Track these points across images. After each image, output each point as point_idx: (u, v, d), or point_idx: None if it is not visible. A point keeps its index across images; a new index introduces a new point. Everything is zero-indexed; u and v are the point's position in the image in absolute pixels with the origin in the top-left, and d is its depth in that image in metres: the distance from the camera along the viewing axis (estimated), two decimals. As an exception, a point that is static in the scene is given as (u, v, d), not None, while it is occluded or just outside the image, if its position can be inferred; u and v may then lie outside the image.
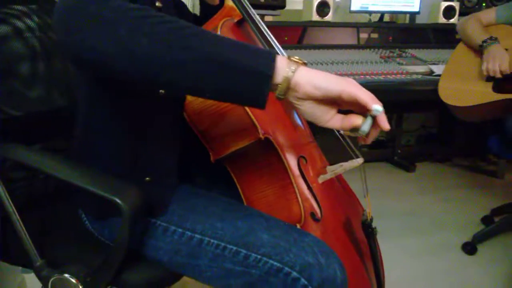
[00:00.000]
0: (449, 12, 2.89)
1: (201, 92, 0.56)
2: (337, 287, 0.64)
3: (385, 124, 0.57)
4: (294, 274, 0.63)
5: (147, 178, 0.72)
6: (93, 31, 0.51)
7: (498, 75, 1.51)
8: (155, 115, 0.72)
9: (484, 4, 2.96)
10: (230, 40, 0.55)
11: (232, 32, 0.82)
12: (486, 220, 2.01)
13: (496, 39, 1.56)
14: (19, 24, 0.92)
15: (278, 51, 0.85)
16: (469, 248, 1.76)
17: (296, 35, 2.72)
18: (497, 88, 1.55)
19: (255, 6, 2.48)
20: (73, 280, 0.68)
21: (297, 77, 0.54)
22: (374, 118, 0.57)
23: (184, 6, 0.86)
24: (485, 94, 1.55)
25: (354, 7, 2.80)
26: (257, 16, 0.87)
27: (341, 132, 0.86)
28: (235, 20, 0.84)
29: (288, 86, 0.54)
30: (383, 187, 2.51)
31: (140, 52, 0.51)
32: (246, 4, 0.84)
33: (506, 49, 1.55)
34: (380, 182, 2.62)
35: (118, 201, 0.60)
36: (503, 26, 1.63)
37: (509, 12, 1.63)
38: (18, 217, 0.70)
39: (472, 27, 1.64)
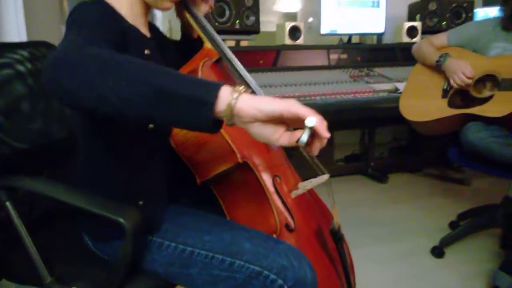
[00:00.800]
0: (412, 31, 3.11)
1: (152, 120, 0.62)
2: (308, 285, 0.76)
3: (324, 132, 0.62)
4: (272, 276, 0.75)
5: (140, 202, 0.83)
6: (66, 73, 0.59)
7: (468, 82, 1.65)
8: (145, 147, 0.84)
9: (444, 23, 3.19)
10: (178, 74, 0.61)
11: (211, 70, 0.95)
12: (453, 225, 2.17)
13: (448, 54, 1.73)
14: (19, 67, 1.03)
15: (251, 84, 0.98)
16: (437, 251, 1.90)
17: (271, 58, 2.85)
18: (451, 104, 1.72)
19: (232, 32, 2.65)
20: (81, 293, 0.78)
21: (239, 104, 0.59)
22: (312, 129, 0.62)
23: (166, 40, 0.99)
24: (441, 109, 1.70)
25: (324, 30, 2.99)
26: (232, 55, 1.00)
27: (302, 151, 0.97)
28: (214, 60, 0.97)
29: (232, 113, 0.59)
30: (357, 199, 2.65)
31: (100, 90, 0.58)
32: (222, 46, 0.97)
33: None
34: (354, 194, 2.75)
35: (122, 220, 0.71)
36: (454, 48, 1.81)
37: (458, 36, 1.82)
38: (30, 239, 0.80)
39: (426, 49, 1.82)
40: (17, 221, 0.80)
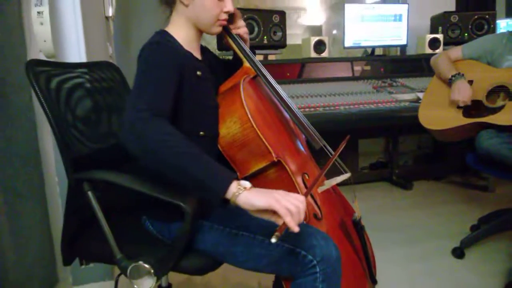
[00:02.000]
0: (434, 43, 3.22)
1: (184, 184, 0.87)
2: (333, 261, 0.92)
3: (293, 228, 0.80)
4: (303, 252, 0.92)
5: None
6: (139, 144, 0.84)
7: (461, 105, 1.81)
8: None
9: (466, 34, 3.28)
10: (207, 163, 0.85)
11: (250, 85, 1.13)
12: (474, 228, 2.25)
13: (462, 74, 1.86)
14: (87, 85, 1.24)
15: (282, 94, 1.16)
16: (458, 252, 2.00)
17: (297, 71, 3.01)
18: (466, 114, 1.84)
19: (260, 47, 2.84)
20: (147, 266, 0.96)
21: (238, 199, 0.83)
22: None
23: (215, 60, 1.19)
24: (456, 119, 1.83)
25: (348, 43, 3.14)
26: (266, 71, 1.18)
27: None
28: (251, 76, 1.16)
29: (234, 202, 0.84)
30: (382, 204, 2.76)
31: (159, 165, 0.85)
32: (258, 64, 1.15)
33: (471, 80, 1.85)
34: (379, 200, 2.86)
35: (183, 205, 0.89)
36: (468, 61, 1.95)
37: (472, 50, 1.95)
38: (106, 223, 0.99)
39: (442, 63, 1.96)
40: (96, 207, 0.99)
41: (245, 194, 0.82)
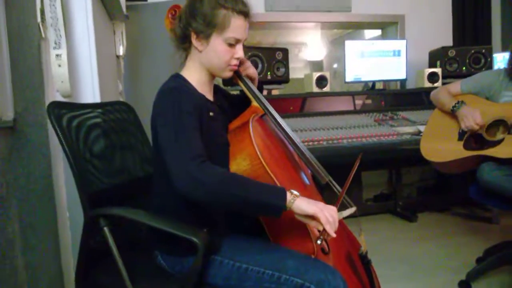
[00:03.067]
0: (433, 77, 3.31)
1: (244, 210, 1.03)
2: (341, 295, 0.95)
3: (330, 233, 0.98)
4: (312, 287, 0.94)
5: (205, 229, 1.05)
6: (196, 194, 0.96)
7: (476, 128, 1.85)
8: None
9: (464, 68, 3.38)
10: (262, 186, 1.00)
11: (258, 123, 1.19)
12: (479, 260, 2.25)
13: (463, 102, 1.93)
14: (103, 124, 1.30)
15: (287, 130, 1.22)
16: (464, 285, 1.99)
17: (300, 105, 3.08)
18: (467, 146, 1.89)
19: (264, 83, 2.93)
20: (159, 301, 0.99)
21: (293, 206, 0.99)
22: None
23: (225, 99, 1.26)
24: (457, 151, 1.88)
25: (349, 78, 3.24)
26: (273, 109, 1.25)
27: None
28: (259, 115, 1.22)
29: (289, 208, 0.98)
30: (387, 237, 2.77)
31: (221, 200, 0.98)
32: (266, 104, 1.22)
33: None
34: (384, 232, 2.87)
35: (196, 240, 0.92)
36: (467, 95, 2.01)
37: (470, 86, 2.02)
38: (120, 259, 1.02)
39: (443, 96, 2.03)
40: (112, 243, 1.03)
41: (298, 202, 0.99)
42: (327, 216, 0.97)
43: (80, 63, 1.65)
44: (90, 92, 1.72)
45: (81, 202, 1.08)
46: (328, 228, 0.97)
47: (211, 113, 1.12)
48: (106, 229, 1.03)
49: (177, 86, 1.08)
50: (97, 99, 1.70)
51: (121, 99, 2.45)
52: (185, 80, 1.13)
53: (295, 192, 1.00)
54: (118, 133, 1.32)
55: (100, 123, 1.26)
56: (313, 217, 0.98)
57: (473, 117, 1.86)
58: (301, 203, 0.98)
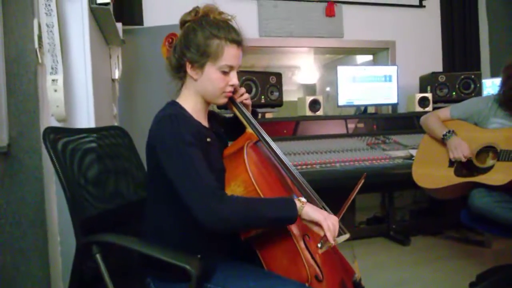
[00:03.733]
0: (423, 102, 3.37)
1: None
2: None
3: (330, 240, 1.06)
4: (305, 314, 0.94)
5: (199, 256, 1.04)
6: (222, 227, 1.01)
7: (464, 160, 1.89)
8: None
9: (454, 93, 3.45)
10: (274, 202, 1.07)
11: (252, 149, 1.20)
12: (472, 285, 2.25)
13: (453, 131, 1.97)
14: (99, 150, 1.31)
15: (281, 156, 1.23)
16: (459, 311, 1.99)
17: (293, 128, 3.10)
18: (457, 173, 1.92)
19: (258, 106, 2.95)
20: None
21: (302, 212, 1.07)
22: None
23: (219, 124, 1.28)
24: (448, 177, 1.91)
25: (341, 102, 3.29)
26: (267, 135, 1.26)
27: None
28: (254, 141, 1.23)
29: (299, 214, 1.07)
30: (380, 261, 2.75)
31: (241, 227, 1.08)
32: (261, 131, 1.24)
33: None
34: (377, 256, 2.85)
35: (189, 268, 0.92)
36: (456, 121, 2.06)
37: (460, 112, 2.07)
38: (112, 286, 1.01)
39: (433, 122, 2.07)
40: (104, 270, 1.02)
41: (306, 208, 1.07)
42: (329, 224, 1.05)
43: (76, 88, 1.66)
44: (85, 117, 1.73)
45: (74, 228, 1.08)
46: (328, 235, 1.04)
47: (208, 139, 1.13)
48: (98, 255, 1.03)
49: (175, 113, 1.09)
50: (92, 124, 1.70)
51: (116, 122, 2.46)
52: (181, 107, 1.15)
53: (303, 199, 1.09)
54: (113, 158, 1.33)
55: (95, 148, 1.27)
56: (317, 223, 1.06)
57: (462, 149, 1.90)
58: (308, 210, 1.07)
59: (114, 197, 1.28)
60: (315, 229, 1.08)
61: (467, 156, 1.89)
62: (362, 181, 1.27)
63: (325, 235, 1.05)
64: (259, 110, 3.05)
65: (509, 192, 1.75)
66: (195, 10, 1.16)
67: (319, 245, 1.08)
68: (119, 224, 1.26)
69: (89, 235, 1.08)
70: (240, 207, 1.02)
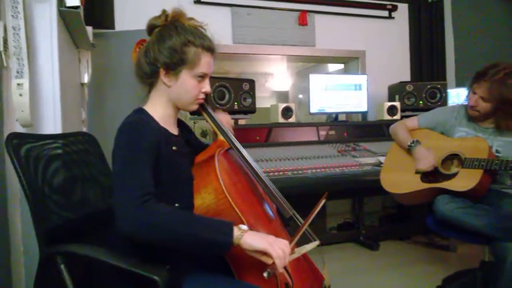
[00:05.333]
0: (392, 110, 3.46)
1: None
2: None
3: (279, 269, 0.98)
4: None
5: (168, 266, 1.03)
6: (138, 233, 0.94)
7: (428, 170, 1.95)
8: None
9: (421, 102, 3.56)
10: (207, 222, 0.99)
11: (224, 157, 1.20)
12: (439, 289, 2.32)
13: (418, 141, 2.03)
14: (66, 156, 1.27)
15: (253, 164, 1.23)
16: (425, 314, 2.04)
17: (265, 134, 3.13)
18: (423, 179, 1.98)
19: (231, 112, 2.95)
20: None
21: (241, 242, 0.98)
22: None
23: (191, 133, 1.26)
24: (415, 183, 1.97)
25: (313, 109, 3.33)
26: (239, 143, 1.26)
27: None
28: (225, 149, 1.23)
29: (237, 244, 0.98)
30: (350, 266, 2.79)
31: (165, 240, 0.96)
32: (233, 138, 1.24)
33: (428, 148, 2.01)
34: (347, 262, 2.89)
35: (156, 278, 0.91)
36: (423, 130, 2.13)
37: (427, 121, 2.14)
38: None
39: (400, 132, 2.13)
40: (68, 281, 0.99)
41: (246, 237, 0.98)
42: (277, 250, 0.97)
43: (43, 92, 1.62)
44: (52, 122, 1.68)
45: (37, 238, 1.04)
46: (277, 262, 0.97)
47: (174, 147, 1.12)
48: (63, 266, 1.00)
49: (135, 120, 1.08)
50: (59, 129, 1.66)
51: (84, 128, 2.40)
52: (147, 114, 1.14)
53: (243, 227, 1.00)
54: (80, 165, 1.29)
55: (61, 154, 1.24)
56: (264, 252, 0.98)
57: (426, 161, 1.96)
58: (249, 238, 0.98)
59: (81, 205, 1.25)
60: (263, 258, 0.99)
61: (430, 167, 1.94)
62: (323, 201, 1.23)
63: (273, 263, 0.97)
64: (232, 116, 3.08)
65: (472, 198, 1.82)
66: (165, 14, 1.15)
67: (265, 274, 0.97)
68: (87, 233, 1.22)
69: (54, 245, 1.05)
70: (164, 218, 0.95)
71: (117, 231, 0.92)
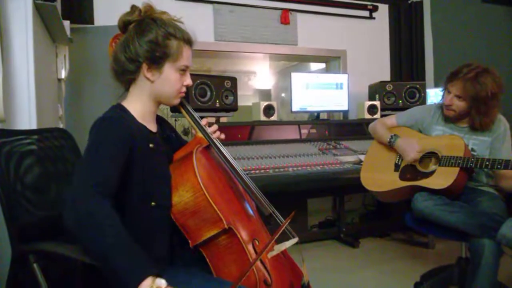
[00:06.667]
0: (372, 109, 3.50)
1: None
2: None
3: None
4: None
5: None
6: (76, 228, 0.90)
7: (418, 157, 1.94)
8: (149, 219, 1.05)
9: (400, 101, 3.60)
10: (131, 257, 0.88)
11: (202, 154, 1.19)
12: (417, 285, 2.34)
13: (397, 135, 2.06)
14: (40, 152, 1.24)
15: (233, 163, 1.22)
16: (403, 310, 2.07)
17: (247, 132, 3.13)
18: (402, 177, 2.01)
19: (212, 110, 2.93)
20: None
21: None
22: None
23: (171, 130, 1.24)
24: (393, 181, 1.99)
25: (295, 108, 3.34)
26: (219, 142, 1.25)
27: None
28: (204, 146, 1.22)
29: None
30: (331, 264, 2.81)
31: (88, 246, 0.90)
32: (211, 135, 1.23)
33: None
34: (328, 259, 2.91)
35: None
36: (402, 128, 2.16)
37: (405, 119, 2.17)
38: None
39: (380, 129, 2.16)
40: (41, 280, 0.96)
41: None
42: None
43: (17, 87, 1.57)
44: (26, 118, 1.63)
45: (9, 236, 1.01)
46: None
47: (151, 145, 1.10)
48: (35, 265, 0.97)
49: (110, 116, 1.06)
50: (34, 125, 1.61)
51: (61, 124, 2.35)
52: (125, 110, 1.12)
53: (160, 283, 0.86)
54: (55, 162, 1.26)
55: (35, 150, 1.20)
56: None
57: (411, 148, 1.97)
58: None
59: (56, 202, 1.22)
60: None
61: (417, 155, 1.95)
62: (289, 220, 1.14)
63: None
64: (213, 114, 3.07)
65: (450, 195, 1.85)
66: (137, 9, 1.14)
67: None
68: (63, 231, 1.19)
69: (27, 243, 1.02)
70: (104, 217, 0.89)
71: (63, 217, 0.90)
